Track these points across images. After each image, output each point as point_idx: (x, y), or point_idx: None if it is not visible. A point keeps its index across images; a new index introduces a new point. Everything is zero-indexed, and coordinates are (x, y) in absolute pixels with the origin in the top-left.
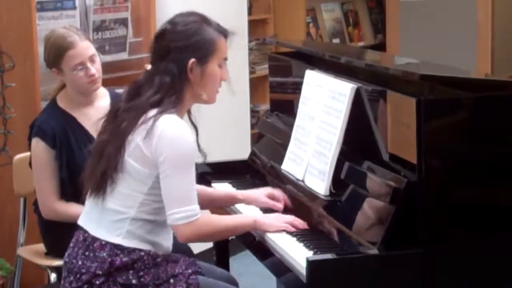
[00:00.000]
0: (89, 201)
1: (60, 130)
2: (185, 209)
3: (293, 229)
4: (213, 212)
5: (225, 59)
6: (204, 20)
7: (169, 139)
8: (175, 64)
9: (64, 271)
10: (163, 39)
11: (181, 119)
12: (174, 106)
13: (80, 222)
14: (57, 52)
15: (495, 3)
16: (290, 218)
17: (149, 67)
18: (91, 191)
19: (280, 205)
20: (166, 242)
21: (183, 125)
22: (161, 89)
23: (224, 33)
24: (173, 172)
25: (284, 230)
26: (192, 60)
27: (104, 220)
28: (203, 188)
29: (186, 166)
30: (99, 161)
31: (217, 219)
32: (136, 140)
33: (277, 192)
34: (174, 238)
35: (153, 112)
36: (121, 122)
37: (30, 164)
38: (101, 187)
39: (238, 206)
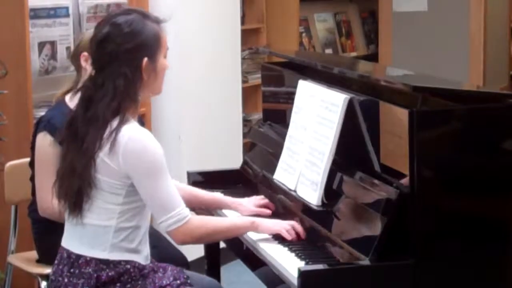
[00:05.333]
0: (68, 221)
1: None
2: (173, 214)
3: (288, 236)
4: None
5: (168, 48)
6: (143, 15)
7: (134, 152)
8: (127, 67)
9: None
10: (109, 43)
11: (139, 126)
12: (130, 110)
13: (63, 243)
14: None
15: (487, 15)
16: (289, 224)
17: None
18: (69, 212)
19: (268, 211)
20: (146, 248)
21: (143, 133)
22: (117, 94)
23: (161, 22)
24: (149, 182)
25: (279, 238)
26: (145, 59)
27: (86, 237)
28: (192, 189)
29: (159, 172)
30: (72, 181)
31: (211, 220)
32: (100, 155)
33: (266, 202)
34: (166, 245)
35: (114, 123)
36: (84, 137)
37: (30, 164)
38: (77, 205)
39: (225, 211)
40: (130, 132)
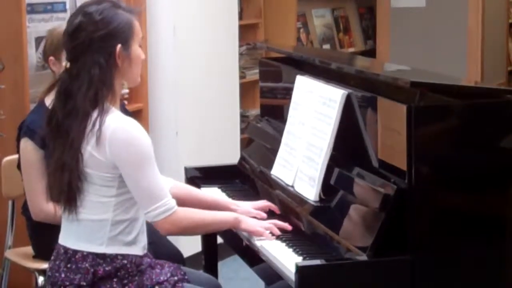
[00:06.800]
0: (64, 218)
1: None
2: (160, 204)
3: (271, 237)
4: None
5: (142, 37)
6: (114, 4)
7: (121, 142)
8: (101, 55)
9: (47, 284)
10: (81, 32)
11: (124, 115)
12: (108, 98)
13: (60, 240)
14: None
15: (485, 11)
16: (270, 224)
17: (67, 65)
18: (64, 208)
19: (263, 215)
20: (143, 239)
21: (129, 122)
22: (93, 83)
23: (134, 12)
24: (136, 172)
25: (269, 234)
26: (119, 46)
27: (83, 233)
28: (192, 188)
29: (146, 162)
30: (62, 176)
31: (196, 212)
32: (87, 149)
33: (265, 205)
34: (162, 241)
35: (95, 114)
36: (68, 130)
37: (18, 166)
38: (71, 200)
39: None
40: (115, 122)
